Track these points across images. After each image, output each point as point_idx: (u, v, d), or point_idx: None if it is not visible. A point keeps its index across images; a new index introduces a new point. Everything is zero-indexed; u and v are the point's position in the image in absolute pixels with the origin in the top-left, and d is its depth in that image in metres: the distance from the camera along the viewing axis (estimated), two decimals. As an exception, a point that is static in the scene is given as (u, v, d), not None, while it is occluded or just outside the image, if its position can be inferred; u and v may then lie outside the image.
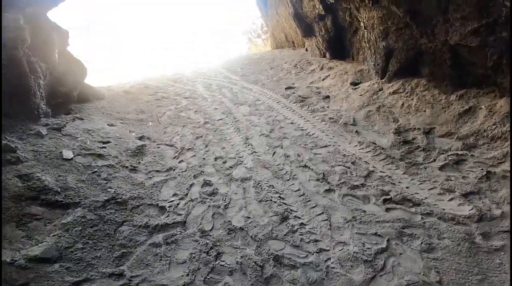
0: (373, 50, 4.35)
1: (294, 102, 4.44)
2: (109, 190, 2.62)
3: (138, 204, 2.55)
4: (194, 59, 15.89)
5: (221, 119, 4.17)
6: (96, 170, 2.79)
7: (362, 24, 4.44)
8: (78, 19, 18.18)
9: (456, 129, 3.14)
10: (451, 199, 2.39)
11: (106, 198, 2.51)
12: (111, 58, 16.78)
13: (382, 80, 4.15)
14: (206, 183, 2.81)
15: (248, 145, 3.37)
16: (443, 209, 2.29)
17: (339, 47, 5.63)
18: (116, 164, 2.95)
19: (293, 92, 4.86)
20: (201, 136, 3.67)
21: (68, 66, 3.92)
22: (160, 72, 8.31)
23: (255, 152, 3.24)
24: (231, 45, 15.80)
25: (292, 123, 3.81)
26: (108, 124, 3.72)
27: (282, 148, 3.27)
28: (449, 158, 2.86)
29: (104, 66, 15.19)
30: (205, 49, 17.98)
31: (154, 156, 3.24)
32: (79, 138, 3.15)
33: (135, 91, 5.41)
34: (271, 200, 2.54)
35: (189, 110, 4.55)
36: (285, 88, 5.09)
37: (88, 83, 4.57)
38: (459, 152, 2.91)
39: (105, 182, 2.71)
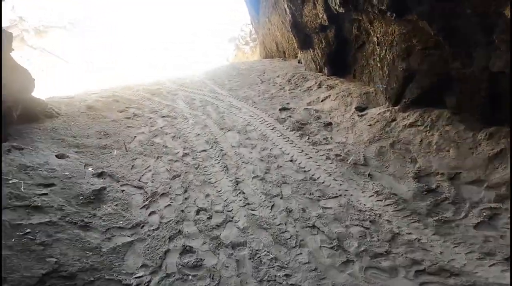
0: (386, 71, 3.94)
1: (292, 130, 3.94)
2: (48, 259, 2.02)
3: (92, 278, 1.98)
4: (194, 59, 16.50)
5: (204, 150, 3.57)
6: (29, 230, 2.14)
7: (375, 39, 4.01)
8: (76, 17, 18.11)
9: (486, 177, 2.81)
10: (493, 265, 2.10)
11: (44, 271, 1.93)
12: (111, 58, 16.92)
13: (395, 108, 3.74)
14: (186, 250, 2.23)
15: (239, 193, 2.79)
16: (486, 278, 2.00)
17: (339, 62, 5.24)
18: (60, 219, 2.30)
19: (289, 116, 4.38)
20: (179, 176, 3.06)
21: (8, 78, 3.19)
22: (138, 79, 7.69)
23: (248, 203, 2.67)
24: (223, 49, 15.98)
25: (291, 161, 3.28)
26: (57, 156, 3.03)
27: (282, 198, 2.72)
28: (483, 213, 2.50)
29: (104, 66, 15.60)
30: (205, 49, 18.29)
31: (116, 204, 2.60)
32: (10, 182, 2.45)
33: (101, 106, 4.70)
34: (274, 280, 2.00)
35: (165, 135, 3.93)
36: (280, 110, 4.60)
37: (37, 98, 3.82)
38: (492, 205, 2.57)
39: (43, 247, 2.07)
